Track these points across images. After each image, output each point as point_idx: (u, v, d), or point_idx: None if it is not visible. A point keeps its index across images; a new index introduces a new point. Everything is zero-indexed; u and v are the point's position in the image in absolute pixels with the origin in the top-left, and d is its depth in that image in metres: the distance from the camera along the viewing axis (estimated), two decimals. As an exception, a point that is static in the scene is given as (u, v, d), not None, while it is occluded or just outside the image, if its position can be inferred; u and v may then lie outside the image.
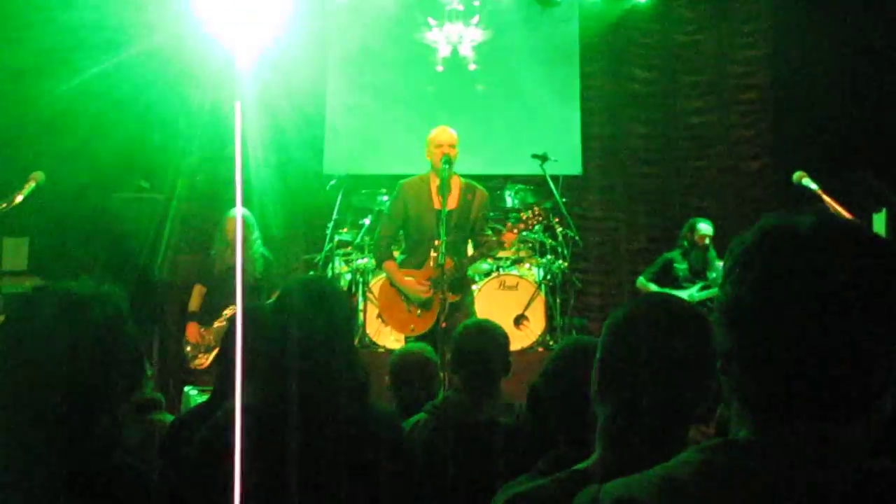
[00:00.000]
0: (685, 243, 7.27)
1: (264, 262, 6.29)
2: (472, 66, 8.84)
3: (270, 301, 2.31)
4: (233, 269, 6.24)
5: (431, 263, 5.27)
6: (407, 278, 5.38)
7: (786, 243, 1.05)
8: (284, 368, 2.01)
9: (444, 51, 8.88)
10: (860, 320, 1.01)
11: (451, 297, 5.24)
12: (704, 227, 7.20)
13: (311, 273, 2.12)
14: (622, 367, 1.54)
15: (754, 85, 8.76)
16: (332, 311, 2.05)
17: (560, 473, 1.55)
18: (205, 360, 6.19)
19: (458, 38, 8.87)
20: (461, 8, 8.87)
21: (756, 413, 1.05)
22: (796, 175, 5.40)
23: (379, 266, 5.79)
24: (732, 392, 1.09)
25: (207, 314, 6.30)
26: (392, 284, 5.48)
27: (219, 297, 6.26)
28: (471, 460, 2.59)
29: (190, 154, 7.77)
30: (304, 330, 2.02)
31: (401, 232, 5.63)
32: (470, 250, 5.71)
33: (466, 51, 8.87)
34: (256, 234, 6.29)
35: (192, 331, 6.30)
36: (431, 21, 8.86)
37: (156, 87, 7.34)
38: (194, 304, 6.38)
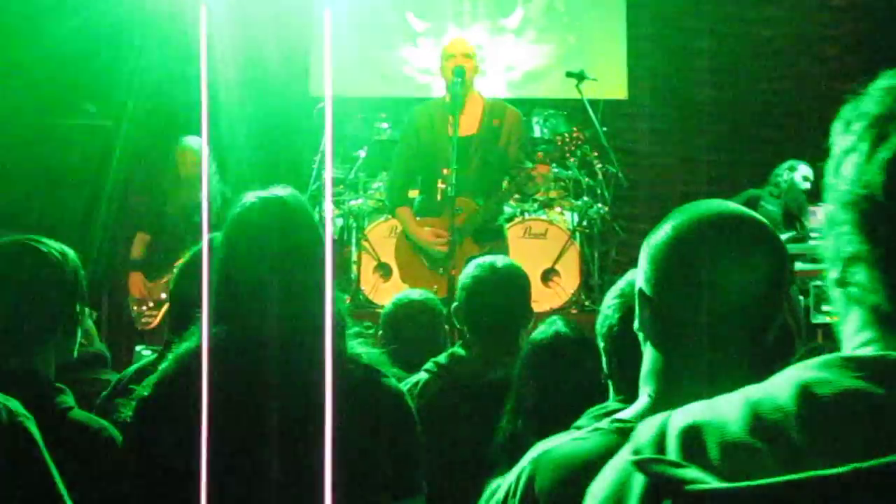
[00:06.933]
0: (779, 186, 7.38)
1: (223, 200, 6.35)
2: None
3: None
4: (188, 209, 6.28)
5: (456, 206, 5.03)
6: (423, 229, 5.29)
7: None
8: (232, 307, 2.00)
9: None
10: None
11: (473, 249, 5.06)
12: (809, 173, 7.31)
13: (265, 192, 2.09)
14: (673, 295, 1.52)
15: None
16: (295, 232, 2.03)
17: (599, 424, 1.56)
18: (153, 319, 6.20)
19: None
20: None
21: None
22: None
23: (392, 212, 5.71)
24: (853, 305, 1.02)
25: (154, 265, 6.32)
26: (408, 237, 5.41)
27: (169, 245, 6.26)
28: (483, 426, 2.56)
29: (145, 69, 7.70)
30: (258, 257, 2.00)
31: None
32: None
33: None
34: (214, 167, 6.41)
35: (136, 282, 6.32)
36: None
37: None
38: (137, 252, 6.42)
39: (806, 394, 0.94)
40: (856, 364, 0.95)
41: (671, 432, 0.97)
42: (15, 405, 1.82)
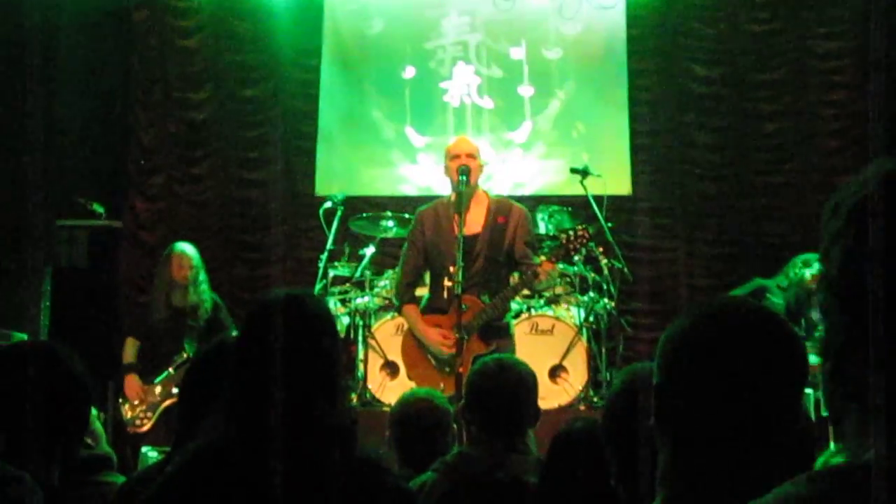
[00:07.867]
0: (788, 277, 7.31)
1: (213, 305, 6.40)
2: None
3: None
4: (179, 311, 6.33)
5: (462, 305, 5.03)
6: (429, 329, 5.29)
7: None
8: (248, 407, 1.99)
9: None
10: None
11: (480, 347, 5.10)
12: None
13: (286, 290, 2.08)
14: (684, 393, 1.49)
15: (842, 83, 8.72)
16: (312, 332, 2.03)
17: None
18: (147, 423, 6.15)
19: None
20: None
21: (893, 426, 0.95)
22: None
23: (399, 311, 5.74)
24: (851, 401, 1.01)
25: (148, 369, 6.32)
26: (414, 335, 5.42)
27: (162, 348, 6.30)
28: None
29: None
30: (274, 356, 2.00)
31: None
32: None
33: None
34: (203, 274, 6.49)
35: (133, 385, 6.28)
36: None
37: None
38: (128, 356, 6.40)
39: None
40: (866, 475, 0.94)
41: None
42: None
